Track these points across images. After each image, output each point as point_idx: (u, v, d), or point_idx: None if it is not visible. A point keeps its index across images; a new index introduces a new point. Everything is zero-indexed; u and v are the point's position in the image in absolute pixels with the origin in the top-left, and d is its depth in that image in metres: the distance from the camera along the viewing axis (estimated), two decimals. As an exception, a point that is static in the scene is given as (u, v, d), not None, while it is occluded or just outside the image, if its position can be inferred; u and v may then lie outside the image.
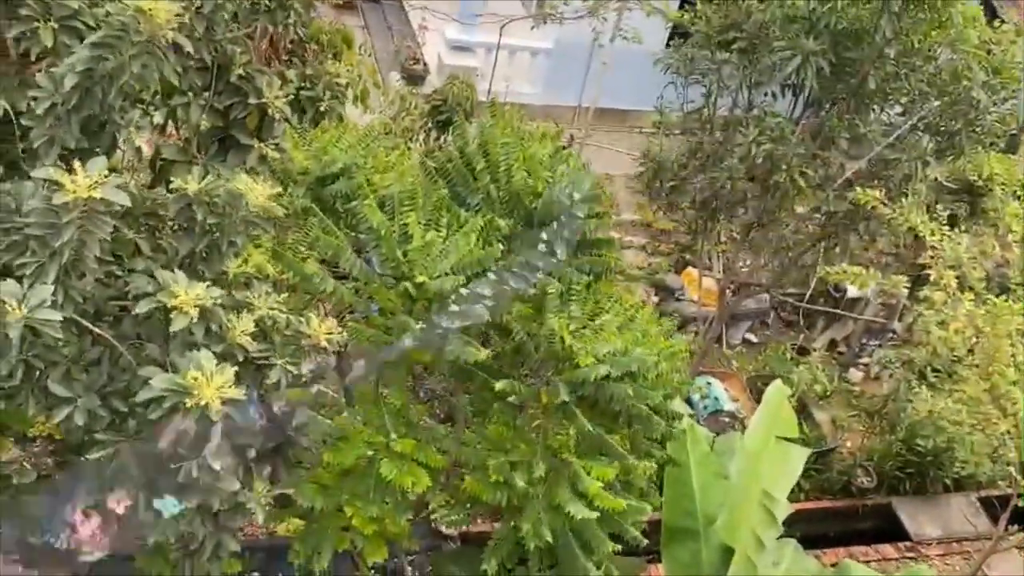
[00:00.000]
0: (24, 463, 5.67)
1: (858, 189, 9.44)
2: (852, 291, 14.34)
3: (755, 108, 10.27)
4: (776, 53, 9.24)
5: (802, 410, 13.10)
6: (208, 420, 4.00)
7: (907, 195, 9.72)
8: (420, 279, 6.42)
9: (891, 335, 14.96)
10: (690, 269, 14.64)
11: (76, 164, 4.05)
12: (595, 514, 6.70)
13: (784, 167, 9.65)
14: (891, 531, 12.73)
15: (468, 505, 7.57)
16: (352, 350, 7.25)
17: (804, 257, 11.14)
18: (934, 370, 11.28)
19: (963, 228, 10.14)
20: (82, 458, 4.87)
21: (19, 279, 4.06)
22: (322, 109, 5.79)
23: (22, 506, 5.00)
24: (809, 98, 9.97)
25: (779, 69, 9.27)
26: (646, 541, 7.35)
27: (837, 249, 10.88)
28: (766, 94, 10.02)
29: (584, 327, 6.94)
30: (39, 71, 4.58)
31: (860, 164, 9.97)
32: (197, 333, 4.17)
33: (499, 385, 6.72)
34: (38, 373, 4.37)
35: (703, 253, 12.30)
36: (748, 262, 11.93)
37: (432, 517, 9.36)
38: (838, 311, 14.65)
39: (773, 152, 9.60)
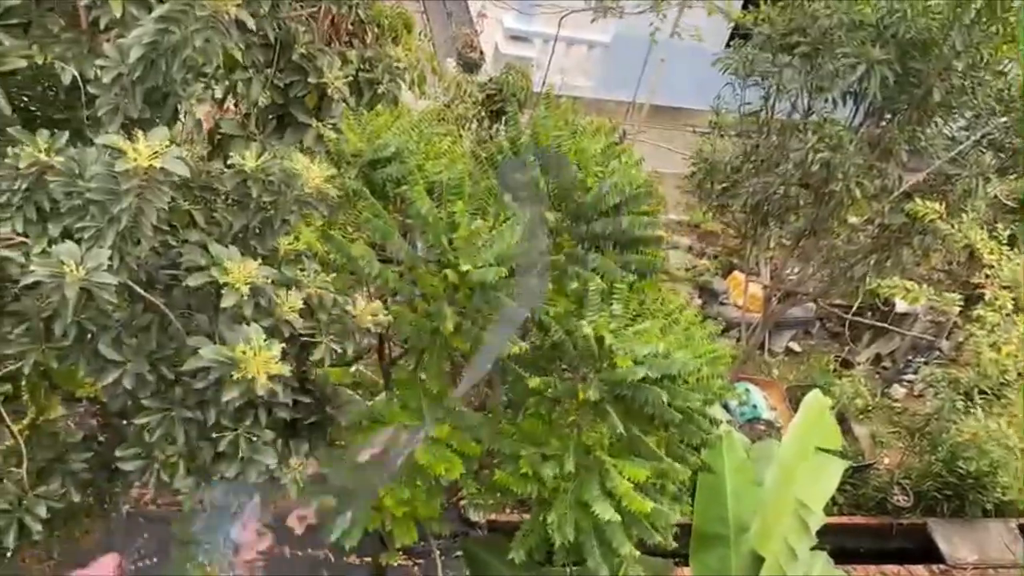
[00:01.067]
0: (70, 423, 5.83)
1: (917, 201, 9.25)
2: (901, 306, 14.07)
3: (814, 114, 10.11)
4: (840, 59, 9.08)
5: (842, 423, 12.89)
6: (253, 393, 4.05)
7: (966, 211, 9.50)
8: (464, 267, 6.43)
9: (938, 353, 14.66)
10: (736, 273, 14.48)
11: (138, 133, 4.12)
12: (618, 517, 6.67)
13: (840, 176, 9.49)
14: (925, 552, 12.50)
15: (498, 494, 7.59)
16: (393, 334, 7.30)
17: (855, 269, 10.95)
18: (981, 392, 11.03)
19: (1022, 249, 9.89)
20: (126, 423, 4.98)
21: (78, 242, 4.15)
22: (379, 92, 5.79)
23: (68, 464, 5.12)
24: (871, 107, 9.79)
25: (842, 76, 9.10)
26: (675, 544, 7.30)
27: (889, 262, 10.68)
28: (826, 100, 9.84)
29: (625, 327, 6.90)
30: (107, 41, 4.66)
31: (919, 177, 9.76)
32: (246, 307, 4.23)
33: (533, 381, 6.72)
34: (90, 336, 4.47)
35: (751, 258, 12.16)
36: (796, 270, 11.76)
37: (462, 503, 9.43)
38: (885, 325, 14.40)
39: (830, 160, 9.45)
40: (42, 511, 4.83)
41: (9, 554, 5.08)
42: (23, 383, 5.15)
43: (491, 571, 8.40)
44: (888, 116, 9.89)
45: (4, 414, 4.77)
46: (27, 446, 4.92)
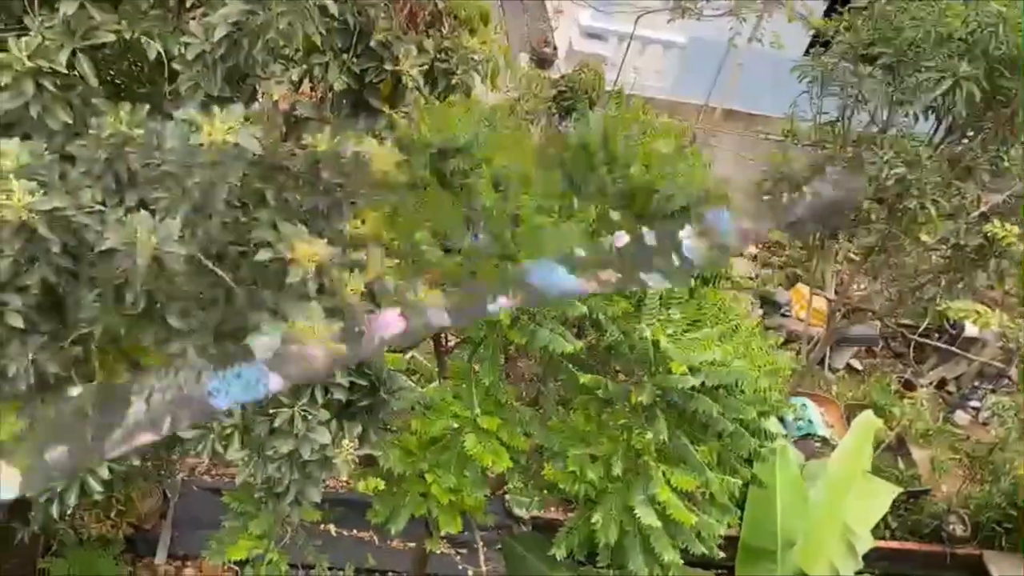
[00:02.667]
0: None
1: (994, 223, 8.94)
2: (970, 330, 13.64)
3: (893, 128, 9.83)
4: (924, 73, 8.81)
5: (900, 446, 12.59)
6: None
7: (1047, 236, 9.15)
8: (526, 262, 6.42)
9: (1007, 381, 14.17)
10: (800, 286, 14.21)
11: (216, 110, 4.22)
12: (660, 524, 6.61)
13: (916, 192, 9.22)
14: (979, 585, 12.13)
15: (544, 490, 7.59)
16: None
17: (925, 288, 10.64)
18: (1050, 424, 10.65)
19: (1104, 279, 9.50)
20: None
21: (152, 213, 4.27)
22: (454, 82, 5.82)
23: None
24: (953, 124, 9.49)
25: (925, 90, 8.83)
26: (722, 555, 7.21)
27: (961, 284, 10.35)
28: (907, 115, 9.57)
29: (683, 332, 6.83)
30: (193, 19, 4.78)
31: (999, 198, 9.44)
32: (310, 286, 4.29)
33: (584, 379, 6.69)
34: (158, 305, 4.58)
35: (817, 271, 11.90)
36: (863, 286, 11.49)
37: (506, 497, 9.44)
38: (953, 349, 13.95)
39: (906, 176, 9.18)
40: (104, 472, 4.98)
41: (69, 512, 5.26)
42: (93, 348, 5.31)
43: (529, 569, 8.40)
44: (971, 134, 9.57)
45: (74, 376, 4.92)
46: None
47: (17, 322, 4.47)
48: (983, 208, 9.49)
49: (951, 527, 12.28)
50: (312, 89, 5.68)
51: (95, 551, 9.25)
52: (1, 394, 4.80)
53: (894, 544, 11.90)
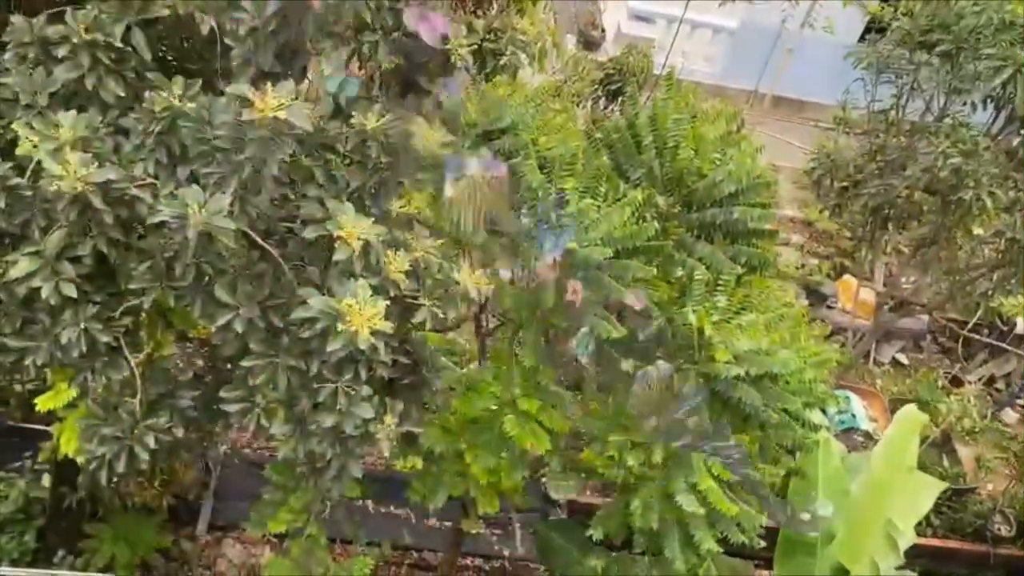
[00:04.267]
0: (181, 362, 6.08)
1: (1052, 218, 8.71)
2: (1022, 326, 13.31)
3: (949, 117, 9.60)
4: (984, 61, 8.58)
5: (945, 443, 12.35)
6: (355, 346, 4.14)
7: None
8: (570, 245, 6.39)
9: (1058, 380, 13.82)
10: (847, 277, 13.96)
11: (266, 86, 4.23)
12: (702, 511, 6.56)
13: (971, 184, 9.00)
14: (1022, 586, 11.88)
15: (582, 474, 7.57)
16: (493, 305, 7.34)
17: (977, 283, 10.39)
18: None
19: None
20: (231, 366, 5.16)
21: (203, 188, 4.31)
22: (502, 63, 5.80)
23: (177, 400, 5.35)
24: (1012, 114, 9.22)
25: (984, 79, 8.60)
26: (762, 544, 7.14)
27: (1015, 279, 10.09)
28: (964, 104, 9.33)
29: (728, 320, 6.74)
30: (246, -5, 4.79)
31: (1058, 192, 9.18)
32: (356, 263, 4.31)
33: (627, 365, 6.64)
34: (207, 278, 4.64)
35: (865, 262, 11.68)
36: (913, 279, 11.26)
37: (543, 481, 9.45)
38: (1003, 345, 13.64)
39: (961, 166, 8.96)
40: (151, 442, 5.07)
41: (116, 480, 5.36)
42: (143, 319, 5.40)
43: (563, 554, 8.40)
44: (1031, 124, 9.31)
45: (124, 346, 5.01)
46: (141, 380, 5.16)
47: (70, 291, 4.55)
48: (1041, 201, 9.24)
49: (996, 527, 12.02)
50: (361, 68, 5.68)
51: (139, 519, 9.45)
52: (55, 360, 4.90)
53: (936, 542, 11.69)
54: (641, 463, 6.73)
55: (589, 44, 15.94)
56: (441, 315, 4.85)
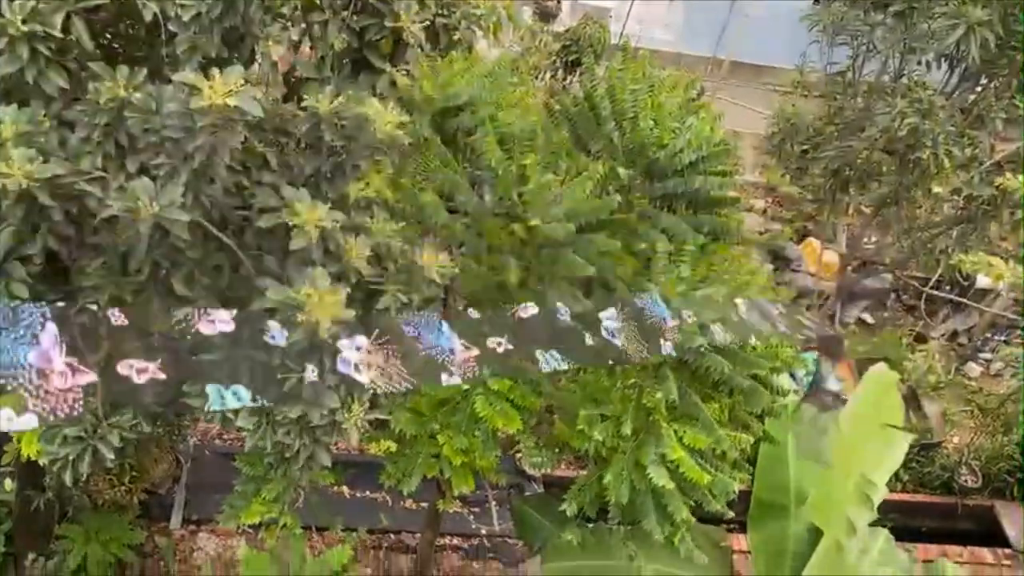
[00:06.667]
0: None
1: (1007, 175, 8.81)
2: (982, 281, 13.53)
3: (904, 77, 9.65)
4: (937, 19, 8.61)
5: (912, 399, 12.56)
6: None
7: (1062, 186, 9.02)
8: (532, 222, 6.35)
9: (1018, 332, 14.09)
10: (811, 240, 14.09)
11: (214, 72, 4.12)
12: (671, 484, 6.60)
13: (929, 143, 9.07)
14: (990, 535, 12.17)
15: (555, 449, 7.59)
16: (459, 286, 7.29)
17: (937, 240, 10.53)
18: (1063, 375, 10.60)
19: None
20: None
21: (153, 179, 4.20)
22: (455, 38, 5.70)
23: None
24: (967, 71, 9.30)
25: (938, 37, 8.63)
26: (731, 513, 7.22)
27: (974, 236, 10.24)
28: (919, 63, 9.38)
29: (693, 290, 6.75)
30: (188, -22, 4.64)
31: (1013, 148, 9.28)
32: (315, 251, 4.23)
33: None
34: (163, 272, 4.54)
35: (828, 224, 11.78)
36: (875, 239, 11.38)
37: (518, 456, 9.47)
38: (964, 301, 13.88)
39: (919, 126, 9.03)
40: (115, 440, 4.97)
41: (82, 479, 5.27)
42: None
43: (539, 529, 8.44)
44: (985, 81, 9.39)
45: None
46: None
47: (22, 292, 4.43)
48: (996, 158, 9.34)
49: (963, 479, 12.30)
50: (312, 49, 5.57)
51: (110, 517, 9.34)
52: (9, 364, 4.77)
53: (905, 496, 11.94)
54: (612, 436, 6.75)
55: (545, 16, 15.81)
56: (406, 300, 4.79)
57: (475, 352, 5.11)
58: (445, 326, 5.09)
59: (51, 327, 4.34)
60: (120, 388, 5.22)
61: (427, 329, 4.98)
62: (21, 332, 4.27)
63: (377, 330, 4.60)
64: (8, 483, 9.01)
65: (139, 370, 4.54)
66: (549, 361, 5.40)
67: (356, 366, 4.49)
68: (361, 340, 4.52)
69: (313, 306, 4.05)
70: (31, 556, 8.74)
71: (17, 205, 4.17)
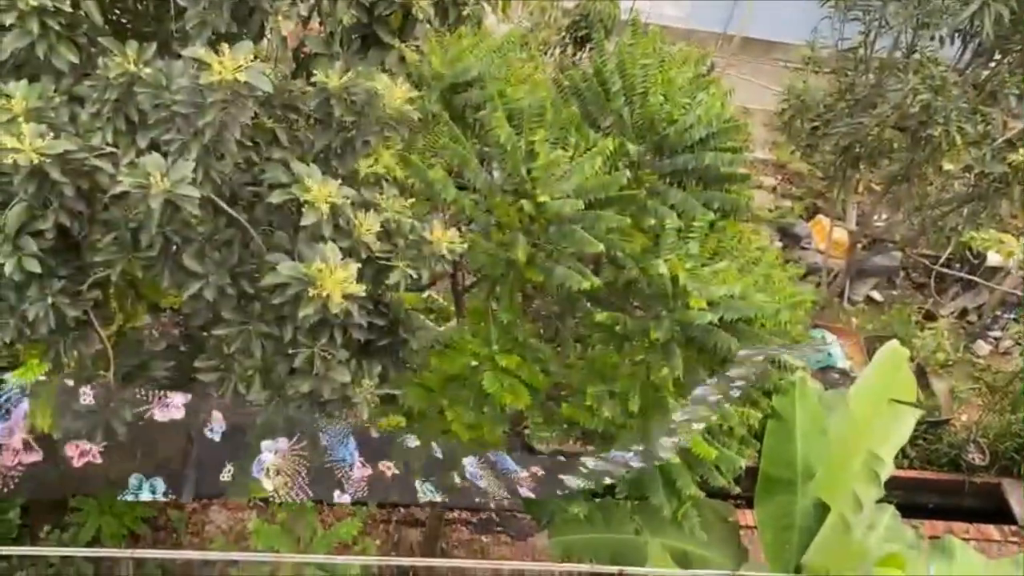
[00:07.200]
0: (154, 331, 6.02)
1: (1020, 151, 8.75)
2: (993, 259, 13.46)
3: (917, 52, 9.56)
4: (950, -6, 8.53)
5: (920, 377, 12.54)
6: (327, 311, 4.11)
7: (1075, 164, 8.96)
8: (541, 198, 6.34)
9: (1029, 310, 14.04)
10: (820, 217, 14.02)
11: (224, 48, 4.13)
12: (678, 460, 6.63)
13: (941, 120, 9.00)
14: (997, 513, 12.20)
15: (563, 426, 7.62)
16: (467, 262, 7.30)
17: (947, 218, 10.48)
18: (1072, 353, 10.57)
19: None
20: (206, 335, 5.11)
21: (164, 155, 4.22)
22: (464, 13, 5.68)
23: (151, 371, 5.31)
24: (980, 47, 9.21)
25: (952, 12, 8.54)
26: (738, 489, 7.26)
27: (984, 213, 10.18)
28: (932, 38, 9.28)
29: (702, 266, 6.74)
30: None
31: (1025, 124, 9.22)
32: (325, 227, 4.26)
33: (599, 316, 6.64)
34: (174, 247, 4.57)
35: (837, 202, 11.73)
36: (885, 216, 11.32)
37: (526, 432, 9.51)
38: (974, 278, 13.82)
39: (931, 102, 8.96)
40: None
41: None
42: (111, 291, 5.32)
43: (547, 503, 8.49)
44: (998, 57, 9.29)
45: (94, 319, 4.95)
46: (114, 352, 5.11)
47: (34, 267, 4.47)
48: (1009, 134, 9.27)
49: (970, 456, 12.31)
50: (321, 24, 5.56)
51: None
52: (24, 337, 4.83)
53: (912, 473, 11.97)
54: (619, 413, 6.78)
55: (555, -9, 15.66)
56: (415, 275, 4.81)
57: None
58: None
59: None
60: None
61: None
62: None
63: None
64: (23, 456, 9.10)
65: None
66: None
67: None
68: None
69: (324, 281, 4.08)
70: (46, 528, 8.86)
71: (29, 180, 4.20)
